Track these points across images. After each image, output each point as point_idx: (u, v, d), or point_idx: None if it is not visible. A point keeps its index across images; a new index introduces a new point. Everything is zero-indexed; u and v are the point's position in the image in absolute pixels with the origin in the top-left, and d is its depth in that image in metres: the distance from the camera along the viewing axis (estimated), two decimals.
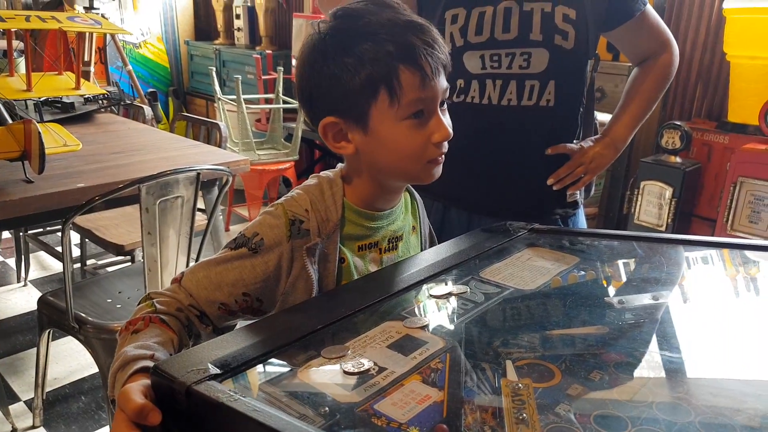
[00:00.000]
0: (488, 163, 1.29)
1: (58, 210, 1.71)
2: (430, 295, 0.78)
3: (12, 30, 2.15)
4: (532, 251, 0.95)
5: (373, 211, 0.86)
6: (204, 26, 5.25)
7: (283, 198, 0.83)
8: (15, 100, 2.22)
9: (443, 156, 0.81)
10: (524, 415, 0.56)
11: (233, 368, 0.60)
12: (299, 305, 0.76)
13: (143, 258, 1.66)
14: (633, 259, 0.94)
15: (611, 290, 0.86)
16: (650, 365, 0.69)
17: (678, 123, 2.49)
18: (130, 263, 2.40)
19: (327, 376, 0.61)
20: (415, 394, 0.59)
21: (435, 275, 0.83)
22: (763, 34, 2.25)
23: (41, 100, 2.44)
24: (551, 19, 1.19)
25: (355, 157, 0.82)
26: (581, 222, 1.40)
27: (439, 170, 0.82)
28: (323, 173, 0.87)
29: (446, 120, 0.80)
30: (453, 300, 0.78)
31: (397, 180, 0.85)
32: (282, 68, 3.63)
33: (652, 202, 2.59)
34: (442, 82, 0.78)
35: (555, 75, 1.22)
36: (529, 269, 0.89)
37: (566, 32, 1.19)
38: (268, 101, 3.85)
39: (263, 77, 3.89)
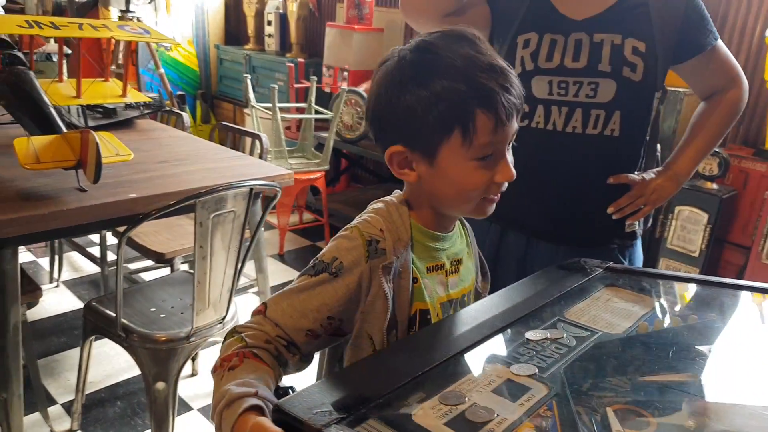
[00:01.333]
0: (549, 188, 1.31)
1: (109, 220, 1.73)
2: (527, 339, 0.79)
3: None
4: (611, 291, 0.96)
5: (436, 231, 0.87)
6: (234, 31, 5.29)
7: (355, 221, 0.85)
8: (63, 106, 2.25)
9: (500, 194, 0.83)
10: None
11: (356, 411, 0.61)
12: (400, 343, 0.78)
13: (195, 270, 1.68)
14: (713, 305, 0.95)
15: (698, 337, 0.87)
16: (741, 414, 0.70)
17: (716, 149, 2.49)
18: (168, 271, 2.42)
19: (447, 422, 0.62)
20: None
21: (524, 316, 0.84)
22: None
23: (86, 105, 2.47)
24: (620, 51, 1.21)
25: (417, 184, 0.84)
26: (638, 253, 1.41)
27: (493, 207, 0.84)
28: (386, 198, 0.88)
29: (510, 159, 0.81)
30: (549, 344, 0.79)
31: (452, 212, 0.87)
32: (315, 77, 3.65)
33: (687, 227, 2.60)
34: (514, 125, 0.80)
35: (621, 105, 1.23)
36: (611, 311, 0.90)
37: (635, 64, 1.21)
38: (299, 110, 3.88)
39: (295, 86, 3.91)
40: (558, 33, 1.25)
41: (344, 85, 4.01)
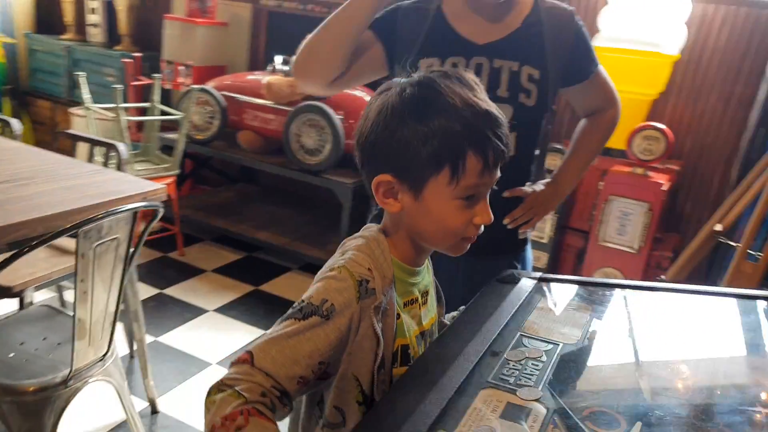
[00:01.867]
0: None
1: None
2: (507, 359, 0.84)
3: None
4: (555, 301, 1.05)
5: (412, 267, 0.89)
6: (47, 18, 4.68)
7: (341, 261, 0.83)
8: None
9: (477, 236, 0.87)
10: None
11: None
12: (398, 385, 0.78)
13: (75, 307, 1.49)
14: (642, 308, 1.08)
15: (636, 338, 0.98)
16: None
17: (558, 146, 2.79)
18: (16, 307, 2.10)
19: None
20: None
21: (495, 339, 0.88)
22: (628, 71, 2.60)
23: None
24: (517, 78, 1.30)
25: (398, 215, 0.85)
26: (530, 256, 1.54)
27: (467, 247, 0.87)
28: (364, 234, 0.88)
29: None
30: (527, 362, 0.84)
31: (430, 246, 0.89)
32: (158, 74, 3.39)
33: None
34: (498, 172, 0.84)
35: (517, 128, 1.32)
36: (559, 321, 0.98)
37: (530, 91, 1.31)
38: (139, 110, 3.57)
39: (133, 83, 3.59)
40: (460, 56, 1.30)
41: (188, 82, 3.78)
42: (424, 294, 0.92)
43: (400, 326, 0.85)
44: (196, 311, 2.90)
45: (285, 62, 3.46)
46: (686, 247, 2.09)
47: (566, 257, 2.95)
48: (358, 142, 0.86)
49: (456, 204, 0.81)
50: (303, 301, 0.79)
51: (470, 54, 1.30)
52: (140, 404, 2.17)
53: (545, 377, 0.81)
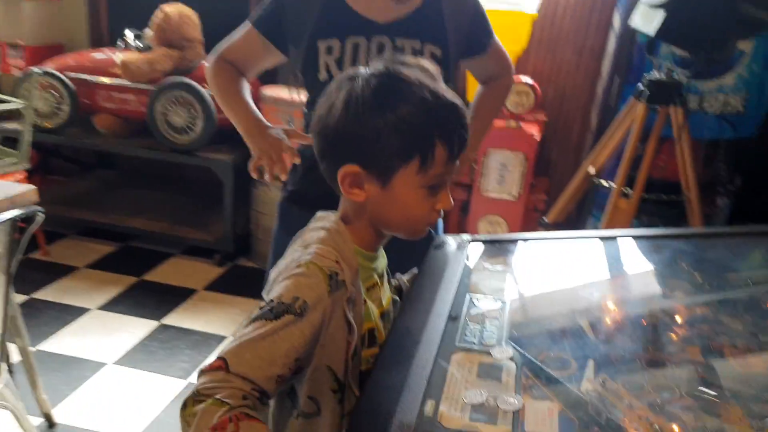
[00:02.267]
0: None
1: None
2: (468, 322, 0.88)
3: None
4: (487, 260, 1.11)
5: (372, 252, 0.90)
6: None
7: (307, 256, 0.81)
8: None
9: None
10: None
11: None
12: (380, 365, 0.79)
13: None
14: (571, 256, 1.16)
15: (567, 284, 1.07)
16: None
17: None
18: None
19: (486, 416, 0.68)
20: (542, 412, 0.70)
21: (451, 304, 0.92)
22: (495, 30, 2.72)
23: None
24: (420, 56, 1.31)
25: (362, 204, 0.85)
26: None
27: (426, 231, 0.90)
28: (323, 225, 0.87)
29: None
30: (485, 320, 0.89)
31: (391, 232, 0.91)
32: None
33: None
34: (458, 162, 0.86)
35: None
36: (497, 278, 1.04)
37: None
38: None
39: None
40: (360, 35, 1.29)
41: (20, 64, 3.37)
42: (381, 276, 0.93)
43: (366, 311, 0.86)
44: (77, 312, 2.68)
45: (138, 37, 3.20)
46: (564, 191, 2.28)
47: (452, 210, 3.09)
48: (320, 132, 0.84)
49: (422, 192, 0.83)
50: (272, 300, 0.76)
51: (371, 33, 1.30)
52: (35, 421, 1.98)
53: (504, 334, 0.87)
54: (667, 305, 1.00)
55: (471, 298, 0.96)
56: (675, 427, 0.73)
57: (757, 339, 0.94)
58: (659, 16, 1.88)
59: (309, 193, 1.40)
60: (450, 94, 0.83)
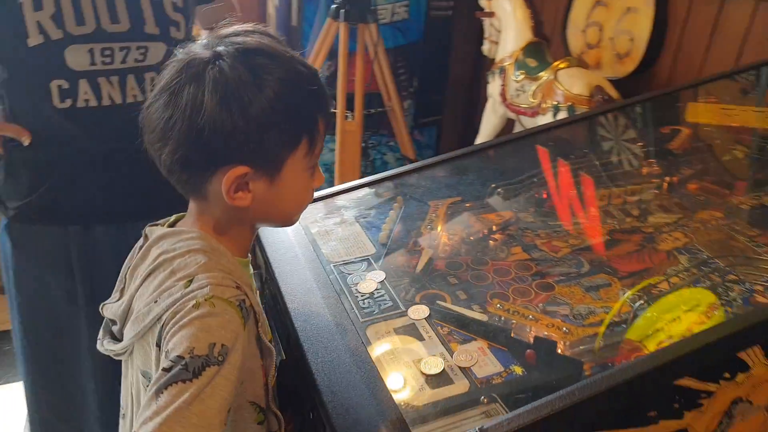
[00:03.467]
0: (131, 166, 1.18)
1: None
2: (357, 292, 0.87)
3: None
4: (319, 225, 1.08)
5: (247, 257, 0.81)
6: None
7: (200, 291, 0.68)
8: None
9: None
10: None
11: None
12: (319, 369, 0.73)
13: None
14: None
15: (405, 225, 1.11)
16: None
17: None
18: None
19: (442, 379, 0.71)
20: (476, 353, 0.77)
21: (322, 279, 0.90)
22: None
23: None
24: (162, 9, 1.13)
25: (245, 207, 0.74)
26: None
27: None
28: (193, 246, 0.73)
29: None
30: (375, 287, 0.90)
31: (274, 225, 0.82)
32: None
33: None
34: None
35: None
36: (345, 239, 1.04)
37: (178, 23, 1.17)
38: None
39: None
40: None
41: None
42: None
43: (264, 324, 0.77)
44: None
45: None
46: None
47: None
48: (180, 136, 0.68)
49: (307, 175, 0.76)
50: (181, 357, 0.63)
51: None
52: None
53: (396, 293, 0.89)
54: (489, 220, 1.13)
55: (336, 268, 0.94)
56: (578, 319, 0.87)
57: (546, 224, 1.16)
58: None
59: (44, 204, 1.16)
60: (308, 63, 0.75)
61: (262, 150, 0.70)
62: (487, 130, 2.29)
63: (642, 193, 1.25)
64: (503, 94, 2.09)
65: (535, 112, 1.91)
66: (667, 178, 1.28)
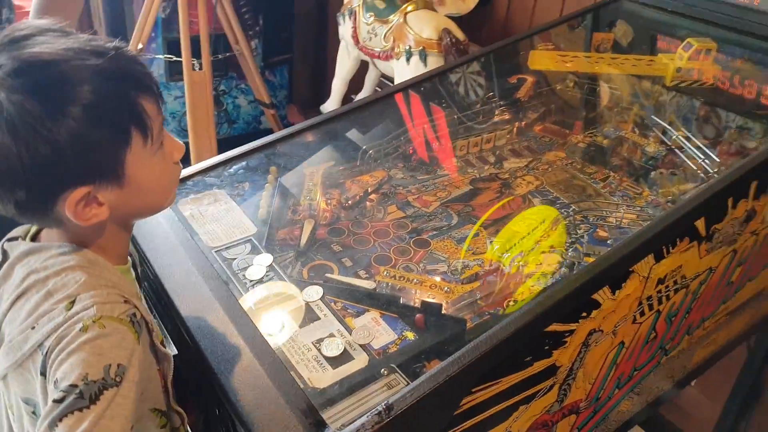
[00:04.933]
0: None
1: None
2: (242, 278, 0.87)
3: None
4: (192, 209, 1.04)
5: (127, 262, 0.77)
6: None
7: (85, 314, 0.64)
8: None
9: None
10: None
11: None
12: (224, 370, 0.73)
13: None
14: None
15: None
16: None
17: None
18: None
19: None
20: (372, 324, 0.82)
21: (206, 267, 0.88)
22: None
23: None
24: None
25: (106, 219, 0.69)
26: None
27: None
28: (62, 260, 0.68)
29: None
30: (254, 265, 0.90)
31: (146, 216, 0.78)
32: None
33: None
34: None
35: None
36: (218, 219, 1.01)
37: None
38: None
39: None
40: None
41: None
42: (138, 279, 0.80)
43: (156, 331, 0.75)
44: None
45: None
46: None
47: None
48: (11, 180, 0.60)
49: (158, 157, 0.70)
50: (75, 386, 0.60)
51: None
52: None
53: (283, 274, 0.90)
54: (364, 182, 1.16)
55: (218, 254, 0.92)
56: (455, 275, 0.94)
57: (416, 179, 1.21)
58: None
59: None
60: (101, 39, 0.66)
61: (92, 165, 0.64)
62: (342, 72, 2.27)
63: (496, 140, 1.34)
64: (355, 37, 2.07)
65: (388, 55, 1.93)
66: (516, 124, 1.39)
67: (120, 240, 0.74)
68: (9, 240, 0.73)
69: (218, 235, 0.96)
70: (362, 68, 2.26)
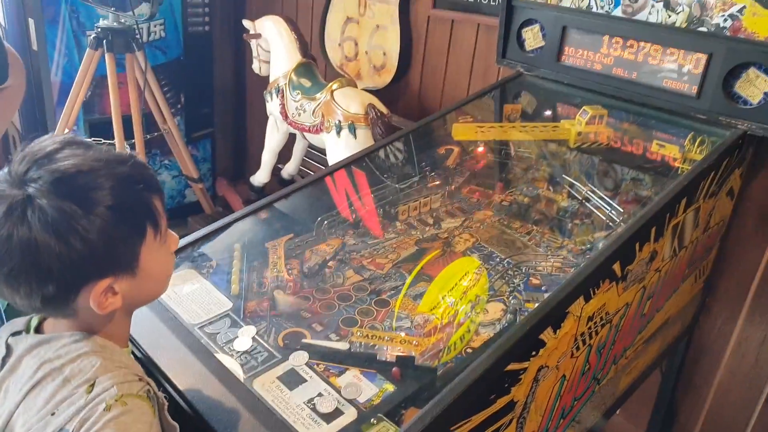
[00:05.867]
0: None
1: None
2: (228, 347, 0.94)
3: None
4: None
5: (128, 346, 0.83)
6: None
7: (107, 394, 0.69)
8: None
9: None
10: None
11: None
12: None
13: None
14: None
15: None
16: None
17: None
18: None
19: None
20: (354, 380, 0.91)
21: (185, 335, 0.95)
22: None
23: None
24: None
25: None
26: None
27: None
28: (75, 347, 0.73)
29: None
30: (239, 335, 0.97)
31: (147, 303, 0.84)
32: None
33: None
34: None
35: None
36: (198, 291, 1.07)
37: None
38: None
39: None
40: None
41: None
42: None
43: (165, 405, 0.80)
44: None
45: None
46: None
47: None
48: (32, 283, 0.67)
49: (163, 249, 0.79)
50: None
51: None
52: None
53: (268, 339, 0.98)
54: (322, 251, 1.26)
55: (199, 330, 0.99)
56: (419, 329, 1.04)
57: (367, 244, 1.33)
58: None
59: None
60: (114, 150, 0.78)
61: (116, 258, 0.72)
62: (271, 145, 2.38)
63: (432, 204, 1.49)
64: (284, 113, 2.20)
65: (318, 129, 2.07)
66: (447, 188, 1.55)
67: (124, 325, 0.80)
68: (13, 335, 0.77)
69: (198, 313, 1.02)
70: (290, 139, 2.39)
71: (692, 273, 1.52)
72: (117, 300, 0.73)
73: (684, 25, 1.40)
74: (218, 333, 0.98)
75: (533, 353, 0.96)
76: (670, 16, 1.42)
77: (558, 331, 1.00)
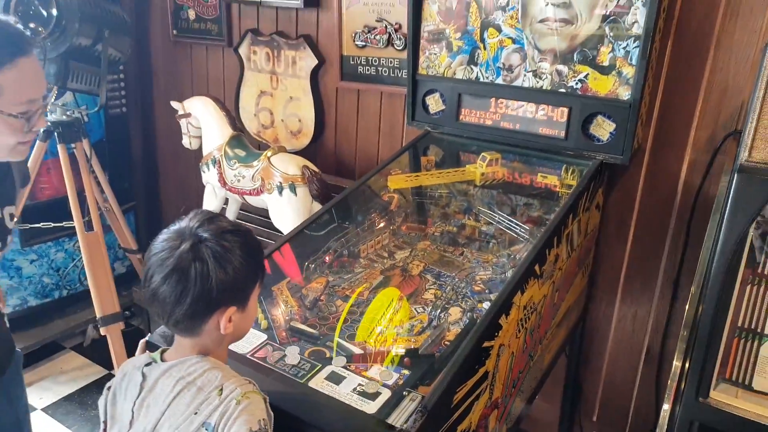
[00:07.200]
0: None
1: None
2: (291, 367, 1.22)
3: None
4: None
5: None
6: None
7: (234, 393, 0.97)
8: None
9: None
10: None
11: None
12: None
13: None
14: None
15: None
16: None
17: None
18: None
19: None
20: (384, 372, 1.23)
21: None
22: None
23: None
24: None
25: (227, 334, 1.04)
26: None
27: None
28: (200, 365, 1.00)
29: None
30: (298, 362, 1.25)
31: (238, 340, 1.13)
32: None
33: None
34: None
35: None
36: None
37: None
38: None
39: None
40: None
41: None
42: None
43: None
44: None
45: None
46: None
47: None
48: (195, 301, 0.95)
49: (255, 299, 1.08)
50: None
51: None
52: None
53: (302, 357, 1.27)
54: (315, 288, 1.56)
55: (249, 357, 1.26)
56: (410, 333, 1.38)
57: (343, 278, 1.65)
58: None
59: None
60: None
61: (244, 292, 1.03)
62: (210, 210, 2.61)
63: (383, 241, 1.85)
64: (222, 180, 2.47)
65: (258, 191, 2.36)
66: (392, 227, 1.92)
67: (225, 352, 1.08)
68: (146, 366, 1.01)
69: (242, 345, 1.29)
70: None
71: (580, 270, 2.00)
72: (230, 327, 1.01)
73: (549, 88, 1.91)
74: (266, 356, 1.26)
75: (496, 334, 1.34)
76: (538, 82, 1.92)
77: (508, 317, 1.39)
